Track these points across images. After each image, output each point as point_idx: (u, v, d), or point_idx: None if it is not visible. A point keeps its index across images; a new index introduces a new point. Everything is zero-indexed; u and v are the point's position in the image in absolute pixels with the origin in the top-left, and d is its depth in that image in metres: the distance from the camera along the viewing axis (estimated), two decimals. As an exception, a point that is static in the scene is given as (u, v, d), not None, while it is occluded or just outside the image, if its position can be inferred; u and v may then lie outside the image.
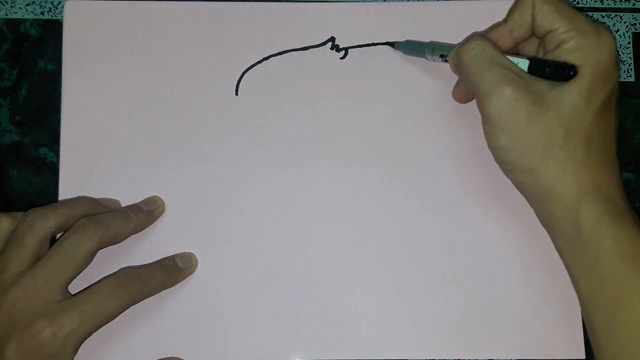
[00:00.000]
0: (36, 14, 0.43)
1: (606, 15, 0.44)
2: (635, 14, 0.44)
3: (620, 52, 0.43)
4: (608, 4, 0.44)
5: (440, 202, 0.40)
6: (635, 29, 0.44)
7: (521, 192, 0.35)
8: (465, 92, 0.39)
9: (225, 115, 0.40)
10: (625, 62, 0.43)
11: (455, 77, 0.39)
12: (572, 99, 0.32)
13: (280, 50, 0.41)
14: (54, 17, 0.43)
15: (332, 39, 0.41)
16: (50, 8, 0.43)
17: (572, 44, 0.33)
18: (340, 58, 0.41)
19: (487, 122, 0.34)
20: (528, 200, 0.35)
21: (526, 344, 0.38)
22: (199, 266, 0.39)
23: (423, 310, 0.39)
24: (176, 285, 0.38)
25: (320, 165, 0.40)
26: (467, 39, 0.35)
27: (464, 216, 0.40)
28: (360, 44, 0.41)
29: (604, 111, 0.33)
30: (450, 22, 0.41)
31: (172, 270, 0.38)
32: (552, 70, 0.33)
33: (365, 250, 0.39)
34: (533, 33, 0.36)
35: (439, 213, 0.40)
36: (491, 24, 0.41)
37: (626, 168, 0.42)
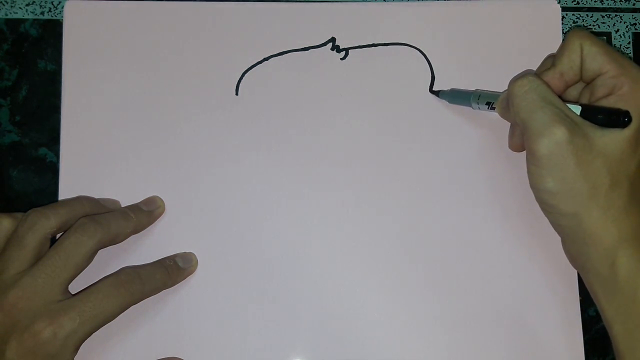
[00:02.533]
0: (36, 14, 0.43)
1: (606, 15, 0.44)
2: (635, 14, 0.44)
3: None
4: (608, 4, 0.44)
5: (442, 204, 0.40)
6: (635, 29, 0.44)
7: (558, 232, 0.35)
8: (521, 140, 0.37)
9: (225, 115, 0.40)
10: (625, 62, 0.43)
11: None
12: (621, 147, 0.32)
13: (281, 51, 0.41)
14: (54, 17, 0.43)
15: (333, 40, 0.41)
16: (50, 8, 0.43)
17: (625, 89, 0.33)
18: (341, 59, 0.41)
19: (534, 162, 0.33)
20: (564, 241, 0.35)
21: (526, 348, 0.38)
22: (199, 266, 0.39)
23: (424, 312, 0.39)
24: (176, 285, 0.38)
25: (321, 165, 0.40)
26: (520, 76, 0.34)
27: (465, 218, 0.40)
28: (360, 44, 0.41)
29: None
30: (450, 23, 0.41)
31: (172, 270, 0.38)
32: (605, 117, 0.32)
33: (367, 252, 0.39)
34: (581, 78, 0.35)
35: (440, 215, 0.40)
36: (491, 24, 0.41)
37: (626, 168, 0.42)
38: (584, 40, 0.34)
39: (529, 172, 0.34)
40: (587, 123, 0.33)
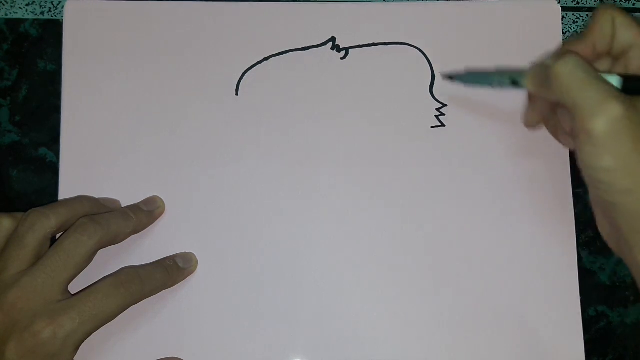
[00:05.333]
0: (36, 14, 0.43)
1: (606, 15, 0.44)
2: (635, 14, 0.44)
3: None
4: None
5: (442, 204, 0.40)
6: (635, 29, 0.44)
7: (609, 212, 0.33)
8: (540, 116, 0.37)
9: (225, 115, 0.40)
10: (625, 62, 0.43)
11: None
12: None
13: (281, 50, 0.41)
14: (54, 17, 0.43)
15: (333, 39, 0.41)
16: (50, 8, 0.43)
17: None
18: (341, 58, 0.41)
19: (589, 141, 0.31)
20: (616, 221, 0.32)
21: (526, 348, 0.38)
22: (199, 266, 0.39)
23: (424, 312, 0.39)
24: (176, 285, 0.38)
25: (321, 165, 0.40)
26: (558, 54, 0.33)
27: (465, 218, 0.39)
28: (361, 44, 0.41)
29: None
30: (450, 23, 0.41)
31: (172, 270, 0.38)
32: None
33: (367, 251, 0.39)
34: (611, 49, 0.34)
35: (440, 214, 0.40)
36: (491, 24, 0.41)
37: (626, 168, 0.42)
38: (616, 13, 0.34)
39: (581, 151, 0.32)
40: (636, 98, 0.31)
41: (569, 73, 0.32)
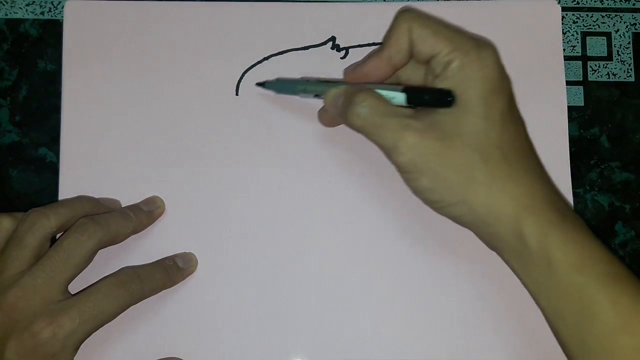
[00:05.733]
0: (36, 14, 0.43)
1: (606, 15, 0.44)
2: (635, 14, 0.44)
3: (620, 52, 0.44)
4: (608, 4, 0.44)
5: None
6: (635, 29, 0.44)
7: (461, 224, 0.34)
8: (332, 119, 0.39)
9: (225, 115, 0.40)
10: (625, 62, 0.43)
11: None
12: (471, 121, 0.32)
13: (281, 50, 0.41)
14: (54, 17, 0.43)
15: (333, 39, 0.41)
16: (50, 8, 0.43)
17: (455, 64, 0.32)
18: (341, 58, 0.41)
19: (402, 171, 0.34)
20: (471, 230, 0.34)
21: (526, 348, 0.38)
22: (199, 266, 0.39)
23: (424, 312, 0.39)
24: (176, 285, 0.38)
25: (321, 164, 0.40)
26: (352, 96, 0.34)
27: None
28: (361, 43, 0.41)
29: (508, 121, 0.33)
30: (450, 23, 0.41)
31: (172, 270, 0.38)
32: (431, 98, 0.32)
33: (367, 251, 0.39)
34: (411, 59, 0.35)
35: (439, 215, 0.39)
36: (491, 24, 0.41)
37: (626, 168, 0.42)
38: (413, 23, 0.33)
39: (405, 181, 0.34)
40: (430, 113, 0.33)
41: (362, 122, 0.33)
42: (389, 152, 0.33)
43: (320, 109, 0.39)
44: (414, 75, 0.36)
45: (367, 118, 0.33)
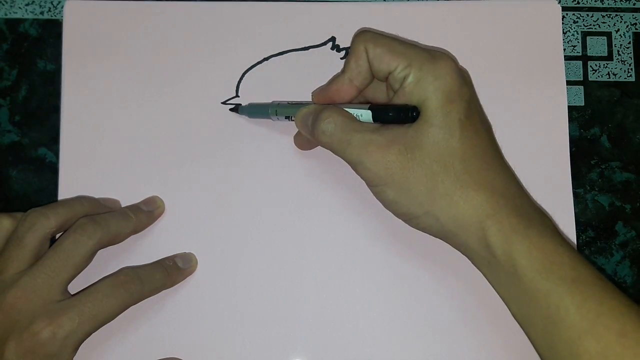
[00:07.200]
0: (36, 14, 0.43)
1: (606, 15, 0.44)
2: (635, 14, 0.44)
3: (620, 52, 0.44)
4: (608, 4, 0.44)
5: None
6: (636, 29, 0.44)
7: (432, 235, 0.35)
8: (307, 141, 0.39)
9: (225, 115, 0.40)
10: (626, 62, 0.43)
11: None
12: (431, 132, 0.32)
13: (281, 50, 0.41)
14: (54, 17, 0.43)
15: (333, 39, 0.41)
16: (50, 8, 0.43)
17: (411, 79, 0.33)
18: (341, 58, 0.41)
19: (369, 184, 0.34)
20: (443, 240, 0.35)
21: (526, 348, 0.38)
22: (199, 266, 0.39)
23: (424, 312, 0.39)
24: (176, 285, 0.38)
25: (321, 164, 0.40)
26: (319, 114, 0.35)
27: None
28: (360, 43, 0.41)
29: (468, 128, 0.33)
30: (450, 22, 0.41)
31: (172, 270, 0.38)
32: (395, 115, 0.33)
33: (367, 251, 0.39)
34: (374, 78, 0.35)
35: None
36: (491, 24, 0.41)
37: (626, 168, 0.42)
38: (368, 44, 0.34)
39: (374, 194, 0.35)
40: (392, 128, 0.33)
41: (329, 135, 0.34)
42: (355, 167, 0.34)
43: (295, 134, 0.40)
44: (379, 93, 0.37)
45: (333, 134, 0.34)
